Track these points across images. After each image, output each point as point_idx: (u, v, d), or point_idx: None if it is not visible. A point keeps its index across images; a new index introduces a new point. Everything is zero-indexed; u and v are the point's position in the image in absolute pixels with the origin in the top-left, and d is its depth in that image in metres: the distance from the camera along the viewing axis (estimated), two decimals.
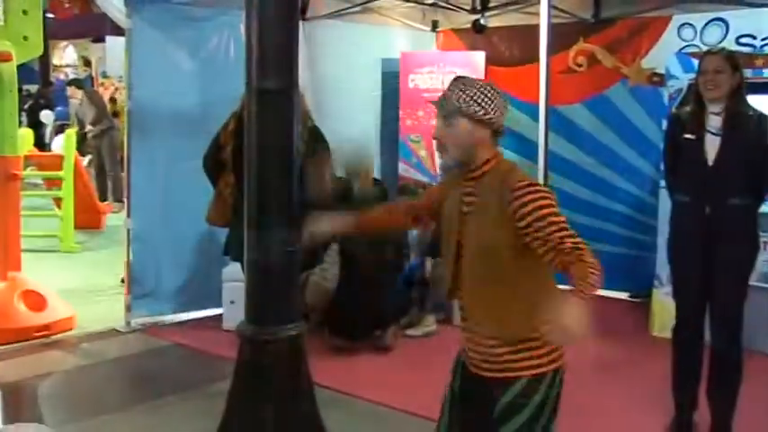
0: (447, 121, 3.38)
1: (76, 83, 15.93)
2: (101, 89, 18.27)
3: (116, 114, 15.06)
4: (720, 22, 7.72)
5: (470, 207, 3.40)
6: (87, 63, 23.99)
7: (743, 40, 7.52)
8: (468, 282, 3.42)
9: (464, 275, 3.43)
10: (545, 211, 3.20)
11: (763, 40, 7.47)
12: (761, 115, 5.15)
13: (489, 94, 3.37)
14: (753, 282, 5.46)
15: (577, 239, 3.16)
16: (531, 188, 3.25)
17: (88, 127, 14.32)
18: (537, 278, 3.36)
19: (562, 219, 3.21)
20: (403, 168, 8.84)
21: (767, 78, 6.48)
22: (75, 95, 15.10)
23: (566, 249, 3.13)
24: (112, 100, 17.56)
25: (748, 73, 5.34)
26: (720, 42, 7.45)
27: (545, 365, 3.36)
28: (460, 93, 3.35)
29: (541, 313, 3.15)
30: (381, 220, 4.12)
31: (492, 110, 3.35)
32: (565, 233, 3.17)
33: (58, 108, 19.26)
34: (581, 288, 3.02)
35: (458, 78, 3.44)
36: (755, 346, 5.47)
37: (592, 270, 3.06)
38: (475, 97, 3.35)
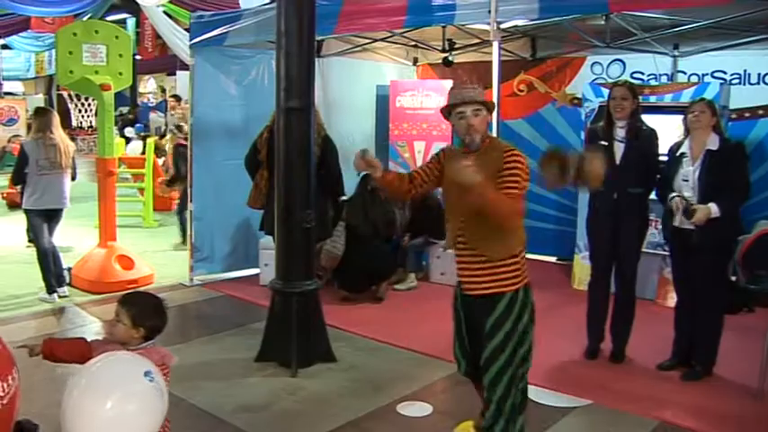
0: (476, 111, 3.45)
1: (176, 97, 15.69)
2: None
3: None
4: (620, 62, 7.79)
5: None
6: (163, 90, 23.91)
7: (635, 75, 7.58)
8: (473, 222, 3.42)
9: (468, 219, 3.43)
10: (515, 170, 3.36)
11: (648, 75, 7.58)
12: (652, 129, 5.22)
13: (480, 90, 3.50)
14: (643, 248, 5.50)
15: (516, 195, 3.34)
16: (516, 153, 3.42)
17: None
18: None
19: (517, 179, 3.36)
20: (392, 167, 8.75)
21: (651, 103, 6.53)
22: (175, 107, 14.82)
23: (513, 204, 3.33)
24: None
25: (639, 98, 5.33)
26: (620, 76, 7.54)
27: (515, 282, 3.46)
28: (473, 89, 3.47)
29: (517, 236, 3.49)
30: (394, 183, 3.74)
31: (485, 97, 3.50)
32: (512, 189, 3.33)
33: (138, 125, 19.07)
34: (487, 192, 3.21)
35: (459, 84, 3.52)
36: (640, 294, 5.51)
37: (500, 205, 3.27)
38: (479, 92, 3.48)
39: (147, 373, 2.44)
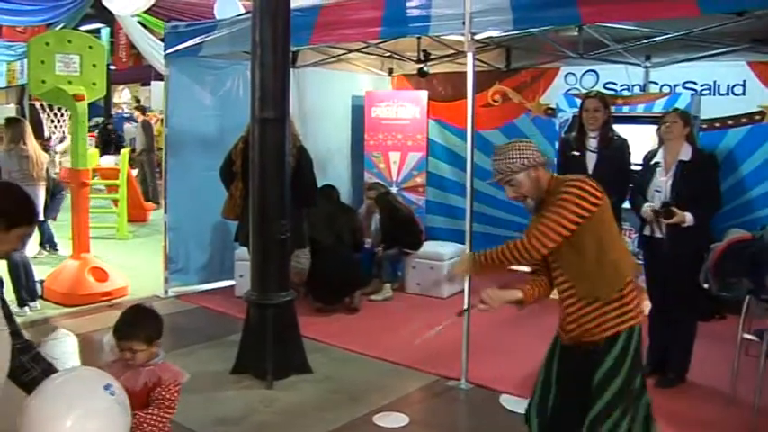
0: (510, 184, 3.21)
1: (141, 108, 15.79)
2: (150, 115, 17.94)
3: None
4: (593, 73, 7.87)
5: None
6: (138, 101, 23.75)
7: (608, 86, 7.67)
8: (566, 266, 3.18)
9: (561, 265, 3.19)
10: (560, 203, 3.05)
11: (621, 86, 7.66)
12: (623, 139, 5.31)
13: (520, 148, 3.21)
14: None
15: (541, 236, 3.04)
16: (575, 183, 3.10)
17: (140, 149, 14.16)
18: (605, 246, 3.12)
19: (564, 217, 3.03)
20: (367, 177, 8.76)
21: (624, 113, 6.63)
22: (138, 118, 14.89)
23: (528, 234, 3.09)
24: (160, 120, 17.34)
25: (611, 108, 5.40)
26: (593, 87, 7.59)
27: (625, 321, 3.14)
28: (502, 160, 3.20)
29: (625, 270, 3.16)
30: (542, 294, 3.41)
31: (528, 156, 3.17)
32: (543, 228, 3.04)
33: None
34: (487, 254, 3.16)
35: (495, 151, 3.27)
36: None
37: (507, 252, 3.11)
38: (513, 156, 3.18)
39: (107, 387, 2.41)
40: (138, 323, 2.94)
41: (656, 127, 5.07)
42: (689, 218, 4.69)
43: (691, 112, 5.66)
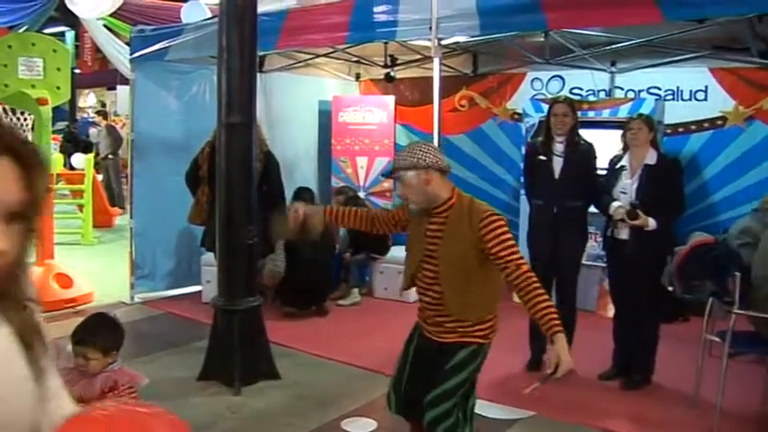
0: (399, 180, 3.31)
1: (103, 113, 15.71)
2: (116, 120, 17.78)
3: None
4: (559, 78, 7.92)
5: (441, 233, 3.31)
6: (103, 105, 23.47)
7: (574, 91, 7.71)
8: (446, 284, 3.33)
9: (441, 280, 3.33)
10: (504, 237, 3.19)
11: (587, 91, 7.71)
12: (589, 144, 5.32)
13: (419, 148, 3.31)
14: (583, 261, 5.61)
15: (525, 262, 3.21)
16: (493, 217, 3.23)
17: (104, 152, 13.99)
18: (492, 276, 3.33)
19: (514, 243, 3.22)
20: (335, 182, 8.73)
21: (589, 118, 6.68)
22: (101, 123, 14.79)
23: (520, 271, 3.16)
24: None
25: (578, 113, 5.44)
26: (559, 92, 7.64)
27: (485, 338, 3.42)
28: (396, 157, 3.34)
29: (493, 301, 3.46)
30: (356, 222, 3.75)
31: (424, 155, 3.25)
32: (519, 258, 3.19)
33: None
34: (556, 326, 3.15)
35: (397, 153, 3.44)
36: (581, 305, 5.59)
37: (547, 299, 3.18)
38: (407, 154, 3.28)
39: None
40: (98, 332, 2.92)
41: (621, 132, 5.12)
42: (652, 223, 4.74)
43: (655, 117, 5.73)
